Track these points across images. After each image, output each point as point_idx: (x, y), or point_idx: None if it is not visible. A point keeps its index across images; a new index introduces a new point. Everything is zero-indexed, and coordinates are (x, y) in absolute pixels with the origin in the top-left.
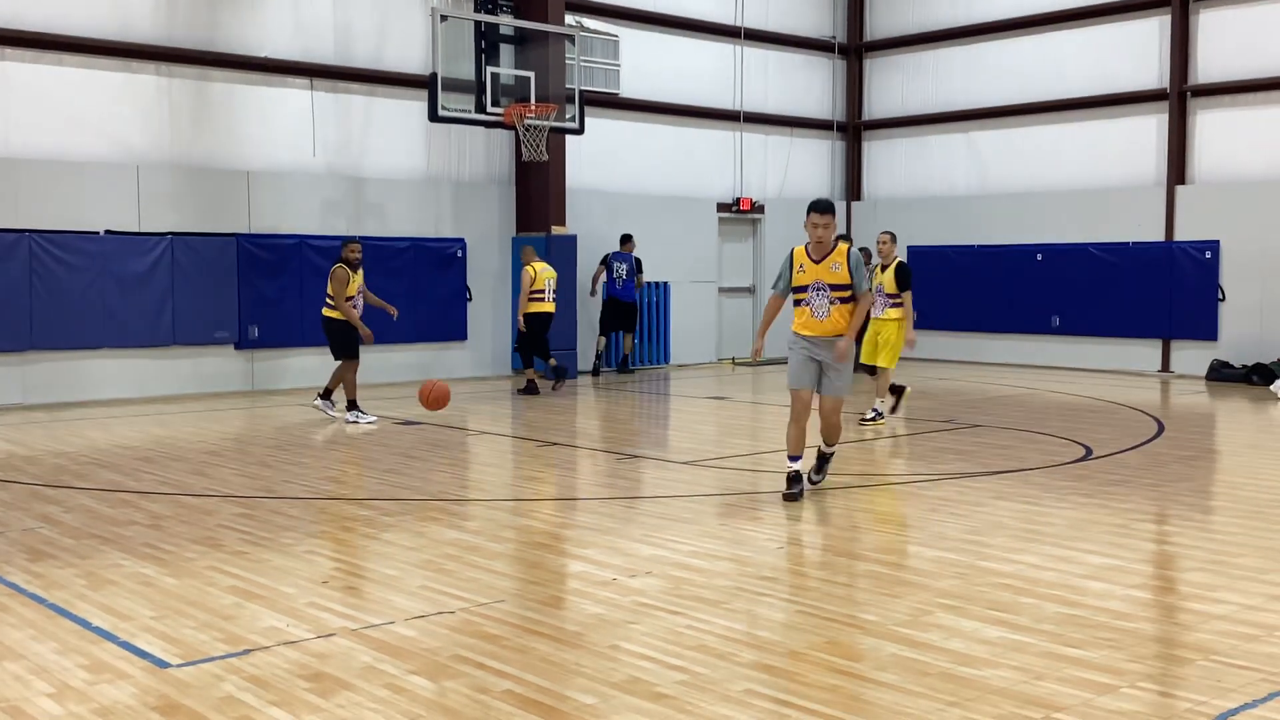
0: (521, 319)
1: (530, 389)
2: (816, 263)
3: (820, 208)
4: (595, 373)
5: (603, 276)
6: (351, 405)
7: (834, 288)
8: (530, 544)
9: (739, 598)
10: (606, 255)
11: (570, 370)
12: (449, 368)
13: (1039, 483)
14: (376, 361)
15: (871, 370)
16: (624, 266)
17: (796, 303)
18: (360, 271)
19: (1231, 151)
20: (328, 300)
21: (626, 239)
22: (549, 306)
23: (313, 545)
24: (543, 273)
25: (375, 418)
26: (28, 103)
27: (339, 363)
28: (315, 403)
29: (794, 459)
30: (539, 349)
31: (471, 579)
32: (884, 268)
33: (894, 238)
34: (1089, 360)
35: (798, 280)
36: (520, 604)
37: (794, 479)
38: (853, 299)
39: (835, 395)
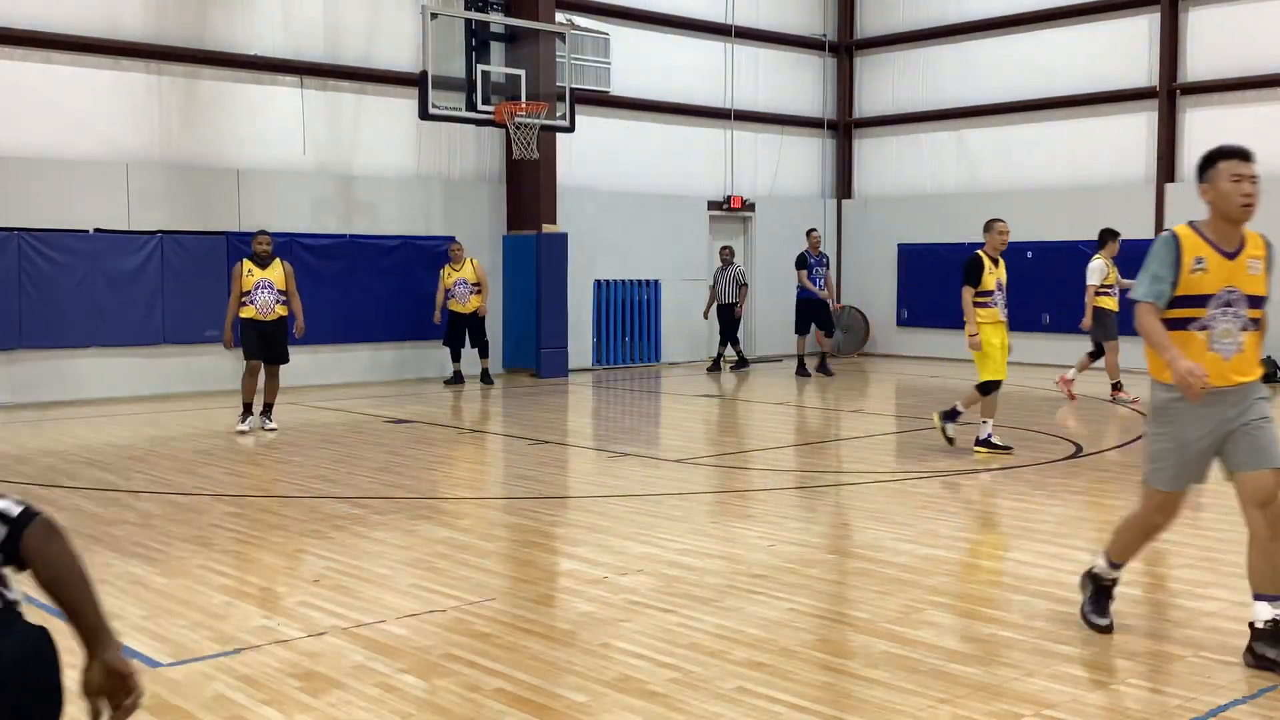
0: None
1: (456, 379)
2: (1230, 257)
3: (1244, 153)
4: (806, 371)
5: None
6: (245, 411)
7: (1251, 301)
8: (521, 542)
9: (730, 595)
10: (803, 253)
11: (563, 368)
12: (440, 366)
13: (1030, 480)
14: (366, 360)
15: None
16: (822, 269)
17: (1169, 324)
18: (275, 267)
19: None
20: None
21: (810, 232)
22: (457, 306)
23: (303, 544)
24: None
25: (248, 427)
26: (16, 101)
27: (274, 369)
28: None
29: (1117, 565)
30: (451, 345)
31: (463, 577)
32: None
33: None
34: (1079, 358)
35: (1191, 286)
36: (511, 602)
37: (1104, 591)
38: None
39: (1273, 465)
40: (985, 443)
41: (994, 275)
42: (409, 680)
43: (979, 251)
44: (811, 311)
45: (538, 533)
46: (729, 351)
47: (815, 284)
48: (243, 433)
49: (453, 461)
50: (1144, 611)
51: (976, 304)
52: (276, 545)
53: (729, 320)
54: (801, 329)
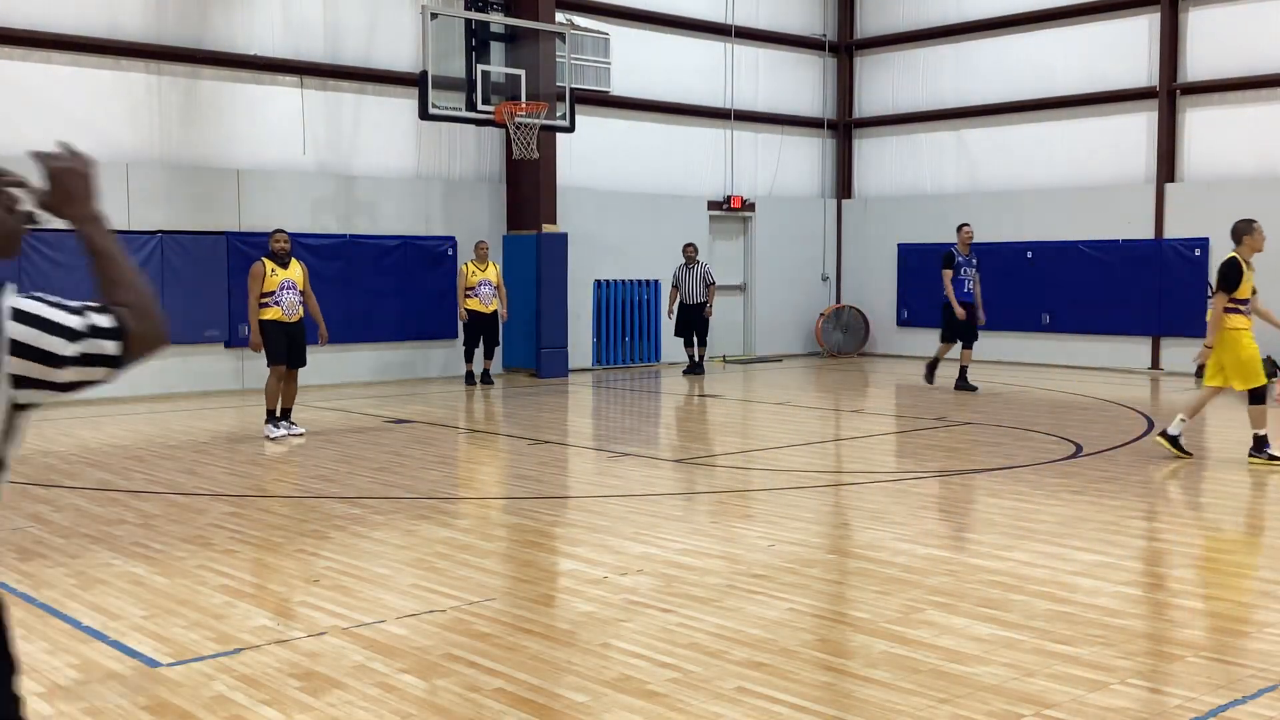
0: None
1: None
2: None
3: None
4: (965, 385)
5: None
6: (270, 416)
7: None
8: (521, 542)
9: (730, 595)
10: (950, 251)
11: (563, 368)
12: (440, 366)
13: (1029, 480)
14: (366, 360)
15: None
16: (971, 270)
17: None
18: (294, 266)
19: (1221, 149)
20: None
21: (961, 227)
22: (479, 305)
23: (303, 544)
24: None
25: (284, 432)
26: (16, 101)
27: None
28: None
29: None
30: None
31: (463, 577)
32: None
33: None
34: (1079, 358)
35: None
36: (511, 602)
37: None
38: None
39: None
40: (1261, 453)
41: (1249, 281)
42: (409, 680)
43: (1235, 255)
44: (956, 317)
45: (538, 533)
46: (696, 351)
47: (963, 287)
48: (272, 439)
49: (453, 461)
50: (1144, 611)
51: (1229, 310)
52: (276, 545)
53: (696, 320)
54: (949, 335)
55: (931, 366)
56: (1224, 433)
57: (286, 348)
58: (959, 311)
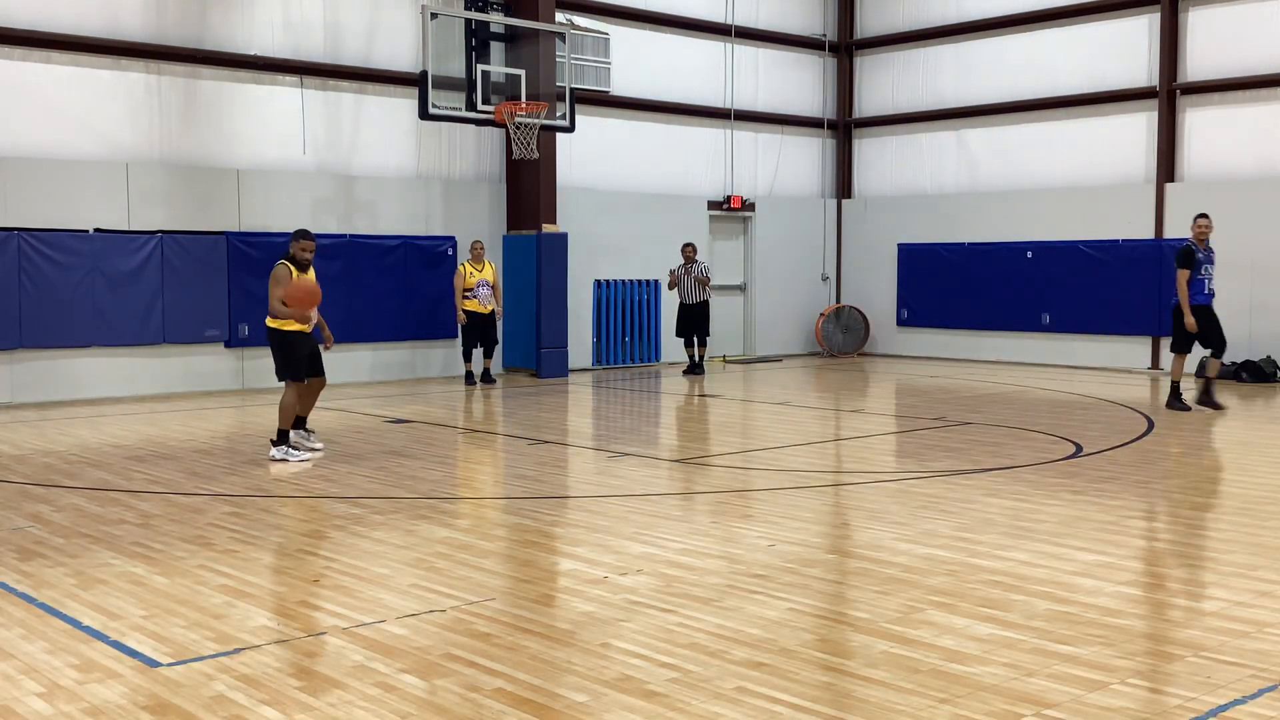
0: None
1: (474, 379)
2: None
3: None
4: (1210, 400)
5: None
6: (281, 436)
7: None
8: (521, 542)
9: (730, 595)
10: (1188, 246)
11: (563, 368)
12: (440, 366)
13: (1029, 480)
14: (366, 360)
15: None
16: (1211, 267)
17: None
18: (311, 272)
19: (1221, 149)
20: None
21: (1199, 218)
22: (477, 306)
23: (303, 544)
24: (476, 273)
25: (307, 456)
26: (16, 101)
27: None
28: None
29: None
30: (472, 345)
31: (462, 577)
32: None
33: None
34: (1079, 357)
35: None
36: (511, 602)
37: None
38: None
39: None
40: None
41: None
42: (409, 680)
43: None
44: (1200, 322)
45: (538, 533)
46: (696, 351)
47: (1203, 288)
48: (300, 460)
49: (452, 461)
50: (1144, 611)
51: None
52: (276, 545)
53: (696, 320)
54: (1182, 344)
55: (1174, 392)
56: (1225, 432)
57: (309, 360)
58: (1189, 322)
